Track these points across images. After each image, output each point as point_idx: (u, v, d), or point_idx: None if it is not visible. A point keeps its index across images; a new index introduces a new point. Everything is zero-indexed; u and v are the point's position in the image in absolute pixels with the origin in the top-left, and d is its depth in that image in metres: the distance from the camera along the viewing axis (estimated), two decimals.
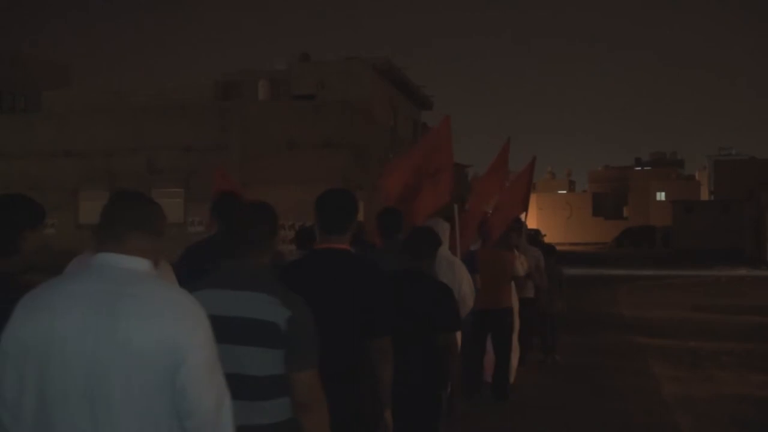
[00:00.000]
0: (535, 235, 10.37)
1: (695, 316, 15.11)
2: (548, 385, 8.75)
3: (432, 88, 56.02)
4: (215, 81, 24.85)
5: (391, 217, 5.11)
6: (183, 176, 21.92)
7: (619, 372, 9.51)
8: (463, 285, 5.63)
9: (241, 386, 2.44)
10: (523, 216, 9.02)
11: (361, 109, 22.73)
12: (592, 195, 72.61)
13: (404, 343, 3.64)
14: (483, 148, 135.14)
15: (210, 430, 2.08)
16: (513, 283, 7.92)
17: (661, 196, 67.61)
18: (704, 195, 68.49)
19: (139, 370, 1.99)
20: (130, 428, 1.98)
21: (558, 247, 11.67)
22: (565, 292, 10.41)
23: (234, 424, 2.15)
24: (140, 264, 2.13)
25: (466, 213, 8.10)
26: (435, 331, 4.15)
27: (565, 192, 77.27)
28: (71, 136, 22.94)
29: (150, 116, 22.67)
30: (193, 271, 3.50)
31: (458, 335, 4.59)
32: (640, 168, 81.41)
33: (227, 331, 2.48)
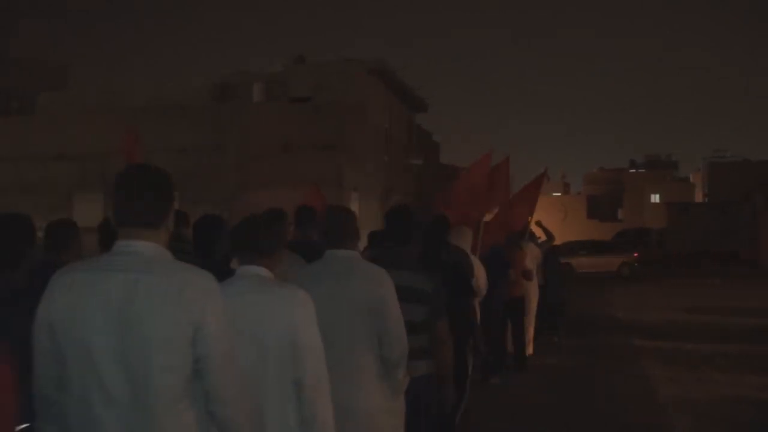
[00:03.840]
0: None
1: (691, 318, 15.18)
2: (547, 387, 8.81)
3: (426, 89, 56.08)
4: (211, 83, 24.82)
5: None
6: (179, 178, 21.79)
7: (617, 374, 9.57)
8: (480, 280, 6.88)
9: (408, 327, 3.84)
10: (529, 220, 10.58)
11: (356, 112, 22.74)
12: (587, 197, 72.66)
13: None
14: (478, 150, 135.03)
15: (396, 341, 3.63)
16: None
17: (655, 198, 67.70)
18: (699, 197, 68.65)
19: (358, 312, 3.59)
20: (357, 340, 3.62)
21: None
22: (566, 284, 12.84)
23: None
24: (353, 254, 3.77)
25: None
26: (462, 297, 5.68)
27: (559, 194, 77.41)
28: (66, 138, 22.89)
29: (145, 118, 22.56)
30: None
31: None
32: (634, 170, 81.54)
33: (402, 294, 3.85)
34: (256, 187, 20.61)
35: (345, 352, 3.51)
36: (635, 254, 31.91)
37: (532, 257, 10.29)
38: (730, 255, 39.26)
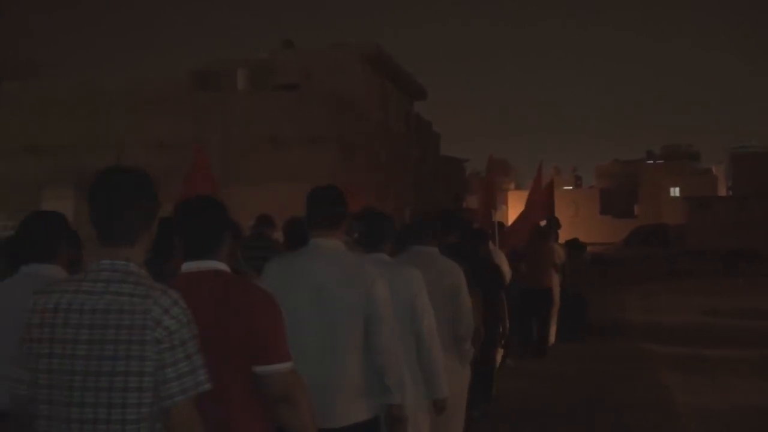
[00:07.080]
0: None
1: (709, 321, 15.21)
2: (557, 394, 8.87)
3: (426, 78, 56.00)
4: (191, 70, 24.84)
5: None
6: (157, 175, 21.81)
7: (629, 381, 9.61)
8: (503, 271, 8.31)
9: None
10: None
11: (349, 101, 22.77)
12: (600, 191, 72.58)
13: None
14: (482, 141, 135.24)
15: (466, 319, 4.89)
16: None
17: (675, 191, 67.60)
18: (722, 191, 68.63)
19: (441, 295, 4.68)
20: (440, 318, 4.45)
21: None
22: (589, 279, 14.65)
23: None
24: (434, 251, 5.03)
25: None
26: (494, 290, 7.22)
27: (570, 188, 77.37)
28: (35, 131, 22.91)
29: (120, 109, 22.62)
30: None
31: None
32: (651, 162, 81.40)
33: None
34: (243, 183, 20.62)
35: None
36: None
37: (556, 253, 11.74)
38: (753, 253, 39.25)
